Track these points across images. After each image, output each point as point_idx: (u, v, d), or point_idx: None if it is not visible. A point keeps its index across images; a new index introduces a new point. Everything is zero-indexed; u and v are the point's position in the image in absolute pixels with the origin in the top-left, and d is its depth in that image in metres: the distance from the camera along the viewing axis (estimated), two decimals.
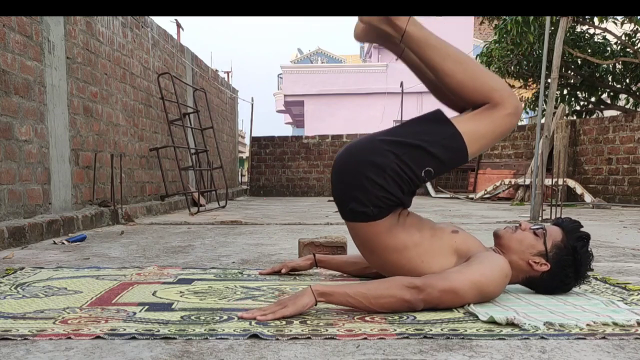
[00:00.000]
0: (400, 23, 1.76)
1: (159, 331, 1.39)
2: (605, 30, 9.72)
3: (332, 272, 2.24)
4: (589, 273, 1.79)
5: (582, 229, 1.77)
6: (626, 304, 1.66)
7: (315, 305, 1.54)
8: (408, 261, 1.70)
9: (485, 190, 9.33)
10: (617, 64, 10.22)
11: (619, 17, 9.48)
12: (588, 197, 7.68)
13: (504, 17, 9.71)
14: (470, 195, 9.73)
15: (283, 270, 2.18)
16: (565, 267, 1.73)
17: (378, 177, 1.66)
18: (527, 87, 11.51)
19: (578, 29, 10.32)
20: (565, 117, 8.74)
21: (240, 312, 1.56)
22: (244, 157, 24.14)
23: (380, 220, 1.70)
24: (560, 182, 7.60)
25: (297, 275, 2.22)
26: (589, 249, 1.75)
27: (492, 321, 1.45)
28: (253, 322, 1.47)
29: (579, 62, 10.47)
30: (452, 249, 1.73)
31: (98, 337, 1.35)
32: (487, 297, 1.64)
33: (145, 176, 6.23)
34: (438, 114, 1.74)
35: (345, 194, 1.74)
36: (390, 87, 19.67)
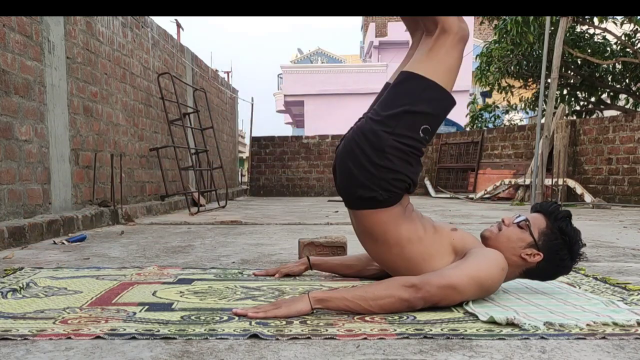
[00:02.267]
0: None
1: (159, 331, 1.39)
2: (605, 30, 9.72)
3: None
4: (582, 249, 1.76)
5: (561, 209, 1.77)
6: (626, 304, 1.66)
7: (312, 312, 1.54)
8: (410, 257, 1.70)
9: (485, 190, 9.33)
10: (617, 64, 10.23)
11: (619, 17, 9.49)
12: (588, 197, 7.68)
13: (504, 17, 9.71)
14: (470, 195, 9.73)
15: (276, 276, 2.16)
16: (558, 251, 1.72)
17: (381, 159, 1.67)
18: (527, 87, 11.52)
19: (578, 29, 10.32)
20: (565, 117, 8.74)
21: (234, 309, 1.56)
22: (244, 157, 24.14)
23: (388, 208, 1.70)
24: (560, 182, 7.61)
25: (297, 275, 2.22)
26: (574, 226, 1.75)
27: (492, 321, 1.45)
28: (253, 322, 1.47)
29: (579, 62, 10.48)
30: (450, 247, 1.74)
31: (98, 337, 1.35)
32: (486, 292, 1.64)
33: (145, 176, 6.23)
34: (404, 74, 1.75)
35: (352, 184, 1.73)
36: None
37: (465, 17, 1.83)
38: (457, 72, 1.77)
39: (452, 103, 1.75)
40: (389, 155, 1.67)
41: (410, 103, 1.68)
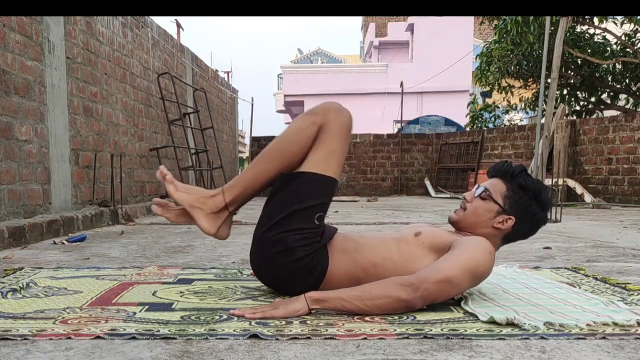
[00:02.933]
0: (220, 204, 1.81)
1: (159, 331, 1.39)
2: (605, 30, 9.72)
3: None
4: (550, 196, 1.76)
5: (512, 165, 1.76)
6: (626, 304, 1.66)
7: (309, 312, 1.53)
8: (386, 275, 1.65)
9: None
10: (617, 64, 10.23)
11: (619, 17, 9.49)
12: (588, 197, 7.68)
13: (504, 17, 9.71)
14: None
15: None
16: (527, 207, 1.71)
17: (294, 254, 1.67)
18: (527, 87, 11.52)
19: (578, 29, 10.33)
20: (565, 117, 8.74)
21: (232, 310, 1.57)
22: (244, 157, 24.14)
23: (331, 268, 1.70)
24: (560, 182, 7.60)
25: None
26: (532, 177, 1.74)
27: (492, 321, 1.45)
28: (253, 322, 1.47)
29: (579, 62, 10.48)
30: (425, 250, 1.71)
31: (98, 337, 1.35)
32: (480, 279, 1.63)
33: (145, 176, 6.23)
34: (283, 177, 1.74)
35: (289, 288, 1.74)
36: (390, 87, 19.67)
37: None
38: (345, 149, 1.75)
39: (336, 184, 1.75)
40: (297, 249, 1.67)
41: (299, 202, 1.68)
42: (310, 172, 1.70)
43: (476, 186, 1.80)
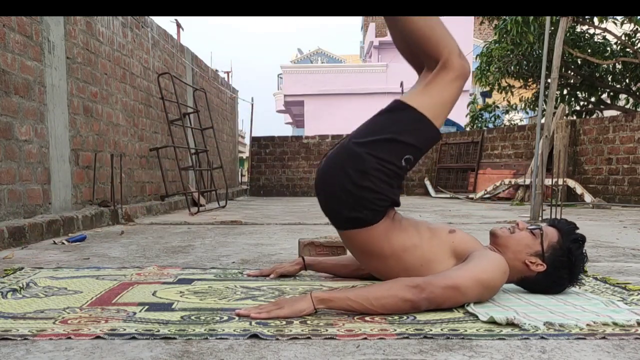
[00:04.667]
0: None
1: (159, 331, 1.39)
2: (605, 30, 9.72)
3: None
4: (582, 275, 1.80)
5: (577, 231, 1.78)
6: (626, 304, 1.66)
7: (315, 312, 1.54)
8: (407, 265, 1.70)
9: (485, 190, 9.33)
10: (617, 64, 10.23)
11: (619, 17, 9.48)
12: (588, 197, 7.68)
13: (504, 17, 9.71)
14: (470, 195, 9.73)
15: (272, 276, 2.15)
16: (560, 268, 1.74)
17: (364, 180, 1.68)
18: (527, 87, 11.52)
19: (578, 29, 10.33)
20: (565, 117, 8.74)
21: (237, 310, 1.56)
22: (244, 157, 24.14)
23: (376, 224, 1.71)
24: (560, 182, 7.60)
25: (297, 274, 2.22)
26: (584, 251, 1.76)
27: (492, 321, 1.45)
28: (253, 322, 1.47)
29: (579, 62, 10.48)
30: (450, 250, 1.74)
31: (98, 337, 1.35)
32: (489, 294, 1.65)
33: (145, 176, 6.23)
34: (397, 103, 1.77)
35: (336, 205, 1.75)
36: (390, 87, 19.66)
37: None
38: (452, 107, 1.79)
39: (438, 138, 1.79)
40: (372, 177, 1.68)
41: (398, 132, 1.71)
42: (424, 115, 1.72)
43: (534, 223, 1.84)
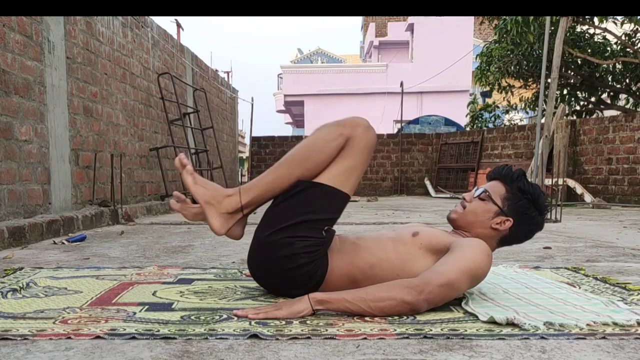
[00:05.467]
0: (236, 206, 1.76)
1: (159, 331, 1.39)
2: (605, 30, 9.72)
3: None
4: (547, 200, 1.79)
5: (513, 169, 1.79)
6: (626, 304, 1.66)
7: (313, 313, 1.53)
8: (385, 279, 1.66)
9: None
10: (617, 64, 10.23)
11: (619, 17, 9.49)
12: (588, 197, 7.68)
13: (504, 17, 9.71)
14: None
15: None
16: (525, 211, 1.74)
17: (297, 260, 1.67)
18: (527, 87, 11.52)
19: (578, 29, 10.33)
20: (565, 117, 8.74)
21: (234, 310, 1.56)
22: (244, 157, 24.15)
23: (329, 270, 1.70)
24: (560, 182, 7.60)
25: None
26: (531, 182, 1.77)
27: (492, 321, 1.45)
28: (253, 322, 1.47)
29: (579, 62, 10.48)
30: (421, 250, 1.71)
31: (98, 337, 1.35)
32: (477, 281, 1.64)
33: (145, 176, 6.23)
34: (300, 184, 1.72)
35: (287, 287, 1.74)
36: (390, 87, 19.68)
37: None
38: (365, 166, 1.75)
39: (348, 201, 1.76)
40: (303, 255, 1.67)
41: (312, 212, 1.69)
42: (329, 185, 1.70)
43: (475, 187, 1.82)
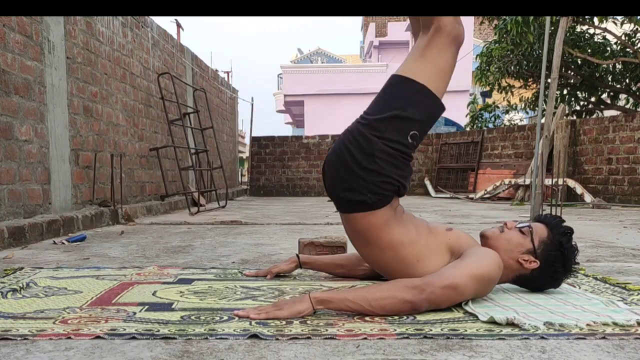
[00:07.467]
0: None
1: (159, 331, 1.39)
2: (605, 30, 9.72)
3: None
4: (576, 266, 1.80)
5: (564, 224, 1.79)
6: (626, 304, 1.66)
7: (314, 313, 1.54)
8: (403, 259, 1.70)
9: (485, 190, 9.33)
10: (617, 64, 10.22)
11: (619, 17, 9.48)
12: (588, 197, 7.68)
13: (504, 17, 9.71)
14: (470, 195, 9.73)
15: (268, 277, 2.15)
16: (553, 263, 1.75)
17: (370, 163, 1.66)
18: (527, 87, 11.51)
19: (578, 29, 10.32)
20: (565, 117, 8.74)
21: (236, 311, 1.56)
22: (244, 157, 24.14)
23: (378, 210, 1.70)
24: (560, 182, 7.60)
25: (297, 275, 2.22)
26: (574, 243, 1.77)
27: (492, 321, 1.45)
28: (253, 322, 1.47)
29: (579, 62, 10.47)
30: (446, 247, 1.74)
31: (98, 337, 1.35)
32: (484, 291, 1.65)
33: (145, 176, 6.23)
34: (394, 78, 1.75)
35: (341, 186, 1.73)
36: None
37: (465, 17, 1.84)
38: (450, 76, 1.75)
39: (441, 109, 1.75)
40: (378, 159, 1.66)
41: (400, 108, 1.68)
42: (425, 86, 1.69)
43: (520, 221, 1.84)
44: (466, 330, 1.39)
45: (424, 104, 1.71)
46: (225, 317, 1.52)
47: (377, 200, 1.69)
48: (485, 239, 1.81)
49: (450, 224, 1.88)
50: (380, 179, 1.67)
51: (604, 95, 11.32)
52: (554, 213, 4.84)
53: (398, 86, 1.73)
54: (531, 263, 1.74)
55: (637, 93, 10.76)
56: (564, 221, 1.81)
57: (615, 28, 9.76)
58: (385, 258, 1.74)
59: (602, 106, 11.41)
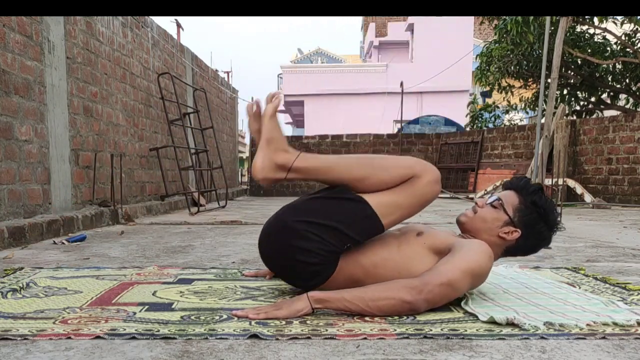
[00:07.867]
0: (287, 163, 1.72)
1: (159, 331, 1.39)
2: (605, 30, 9.72)
3: None
4: (557, 219, 1.78)
5: (531, 182, 1.79)
6: (626, 304, 1.66)
7: (312, 312, 1.54)
8: (385, 278, 1.66)
9: (485, 190, 9.33)
10: (617, 64, 10.23)
11: (619, 17, 9.48)
12: (588, 197, 7.68)
13: (504, 17, 9.71)
14: (470, 195, 9.73)
15: (268, 277, 2.14)
16: (534, 225, 1.74)
17: (309, 257, 1.66)
18: (527, 87, 11.52)
19: (578, 29, 10.33)
20: (565, 117, 8.74)
21: (234, 311, 1.56)
22: (244, 157, 24.14)
23: (336, 270, 1.69)
24: (560, 182, 7.60)
25: None
26: (547, 197, 1.76)
27: (492, 321, 1.45)
28: (253, 322, 1.47)
29: (579, 62, 10.48)
30: (426, 250, 1.71)
31: (98, 337, 1.35)
32: (478, 282, 1.64)
33: (145, 176, 6.23)
34: (350, 193, 1.70)
35: (289, 276, 1.75)
36: (390, 87, 19.67)
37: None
38: (411, 213, 1.72)
39: (380, 232, 1.73)
40: (316, 253, 1.65)
41: (345, 225, 1.66)
42: (374, 211, 1.68)
43: (490, 194, 1.82)
44: (466, 330, 1.39)
45: (368, 229, 1.69)
46: (226, 317, 1.52)
47: (328, 272, 1.69)
48: (461, 225, 1.81)
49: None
50: (322, 265, 1.67)
51: (604, 95, 11.32)
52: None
53: (352, 202, 1.69)
54: (513, 234, 1.74)
55: (637, 93, 10.76)
56: (528, 180, 1.80)
57: (615, 28, 9.76)
58: (374, 281, 1.70)
59: (602, 106, 11.41)
